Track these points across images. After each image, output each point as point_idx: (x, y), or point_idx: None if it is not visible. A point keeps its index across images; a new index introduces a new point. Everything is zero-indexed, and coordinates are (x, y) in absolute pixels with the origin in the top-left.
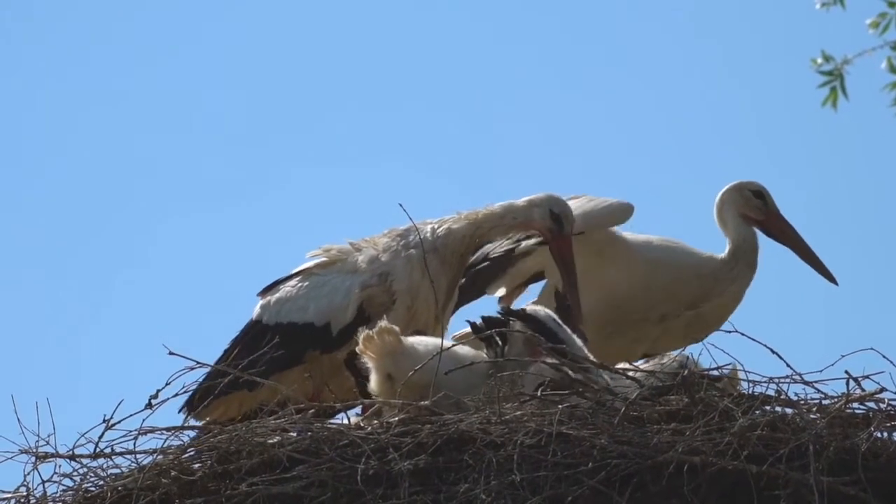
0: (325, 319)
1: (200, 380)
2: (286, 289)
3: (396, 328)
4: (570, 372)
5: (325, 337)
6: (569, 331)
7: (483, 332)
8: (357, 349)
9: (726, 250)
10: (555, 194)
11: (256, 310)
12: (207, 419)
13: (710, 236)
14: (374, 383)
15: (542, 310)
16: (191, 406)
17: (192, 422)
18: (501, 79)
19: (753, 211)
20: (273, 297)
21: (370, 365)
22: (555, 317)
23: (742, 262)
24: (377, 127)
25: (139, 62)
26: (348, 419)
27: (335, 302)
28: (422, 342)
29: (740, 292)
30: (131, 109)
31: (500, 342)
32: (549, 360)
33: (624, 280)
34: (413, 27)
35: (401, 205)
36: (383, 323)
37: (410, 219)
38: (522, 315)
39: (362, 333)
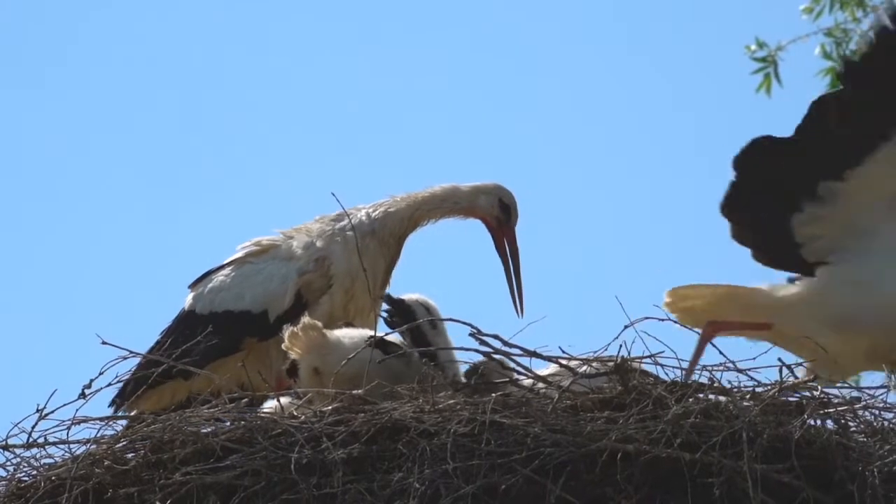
0: (263, 307)
1: (133, 370)
2: (219, 278)
3: (320, 324)
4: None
5: (263, 324)
6: (443, 327)
7: (394, 324)
8: (283, 346)
9: None
10: (502, 185)
11: (188, 300)
12: (138, 410)
13: (649, 227)
14: (301, 378)
15: (419, 300)
16: (123, 396)
17: (125, 412)
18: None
19: None
20: (206, 287)
21: (297, 360)
22: (429, 307)
23: None
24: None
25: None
26: (280, 406)
27: (271, 289)
28: (347, 335)
29: None
30: (64, 95)
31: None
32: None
33: None
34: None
35: (333, 194)
36: (306, 319)
37: (341, 205)
38: (393, 302)
39: (287, 330)
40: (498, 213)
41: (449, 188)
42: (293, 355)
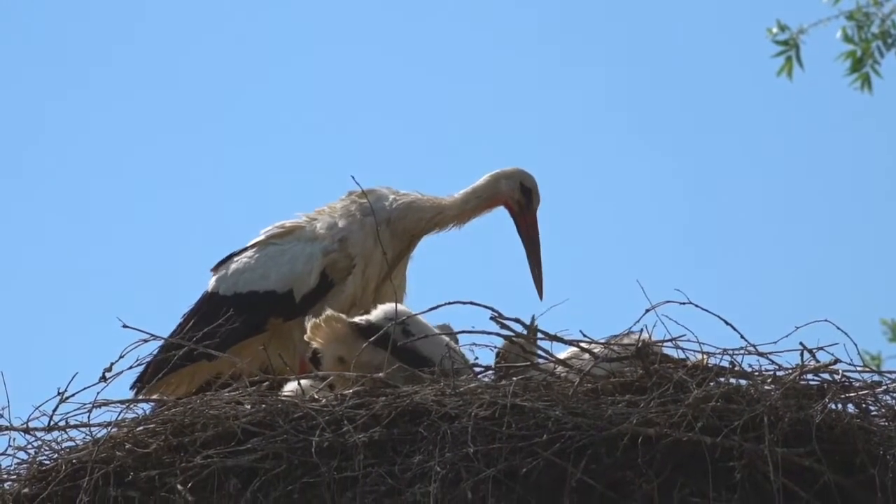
0: (288, 286)
1: (154, 352)
2: (243, 260)
3: (343, 315)
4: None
5: (288, 304)
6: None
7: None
8: (305, 337)
9: None
10: (524, 169)
11: (211, 283)
12: (160, 393)
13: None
14: (325, 367)
15: (387, 314)
16: (143, 379)
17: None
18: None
19: None
20: (229, 269)
21: (320, 350)
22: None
23: None
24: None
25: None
26: (301, 389)
27: (297, 269)
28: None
29: None
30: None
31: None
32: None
33: None
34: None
35: (353, 177)
36: (329, 311)
37: (360, 187)
38: (360, 328)
39: (309, 322)
40: (519, 197)
41: (467, 191)
42: (315, 345)
